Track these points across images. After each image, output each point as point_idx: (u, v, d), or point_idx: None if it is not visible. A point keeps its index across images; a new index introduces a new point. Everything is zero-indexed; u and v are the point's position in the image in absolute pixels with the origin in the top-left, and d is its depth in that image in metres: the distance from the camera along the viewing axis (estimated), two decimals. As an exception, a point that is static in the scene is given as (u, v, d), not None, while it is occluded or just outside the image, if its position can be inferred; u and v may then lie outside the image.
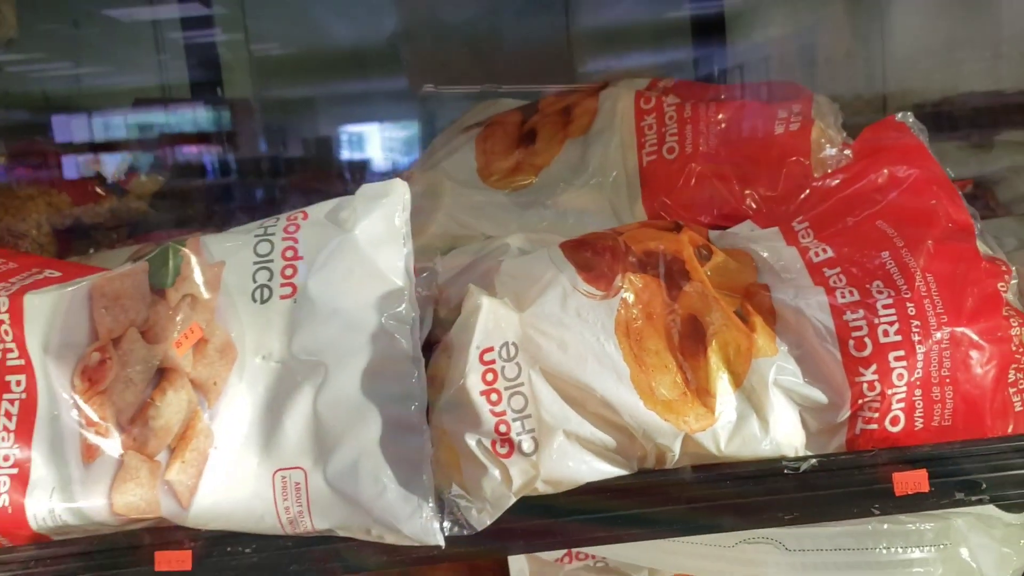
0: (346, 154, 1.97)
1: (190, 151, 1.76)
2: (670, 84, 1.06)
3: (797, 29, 1.84)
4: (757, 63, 1.83)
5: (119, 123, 1.69)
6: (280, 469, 0.70)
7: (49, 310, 0.75)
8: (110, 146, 1.60)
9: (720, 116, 0.96)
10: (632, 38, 1.91)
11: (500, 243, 0.87)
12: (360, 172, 1.84)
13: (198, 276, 0.74)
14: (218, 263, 0.75)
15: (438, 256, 0.90)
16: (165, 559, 0.73)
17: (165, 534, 0.74)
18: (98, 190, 1.32)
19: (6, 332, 0.75)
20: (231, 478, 0.70)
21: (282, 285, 0.73)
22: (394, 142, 2.03)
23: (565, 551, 0.92)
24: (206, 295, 0.74)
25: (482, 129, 1.10)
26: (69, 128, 1.62)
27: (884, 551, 0.86)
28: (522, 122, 1.08)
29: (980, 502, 0.75)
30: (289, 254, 0.74)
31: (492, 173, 1.05)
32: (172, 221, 1.46)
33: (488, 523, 0.71)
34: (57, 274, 0.80)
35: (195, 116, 1.85)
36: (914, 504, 0.75)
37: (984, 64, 1.60)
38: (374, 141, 2.00)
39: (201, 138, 1.81)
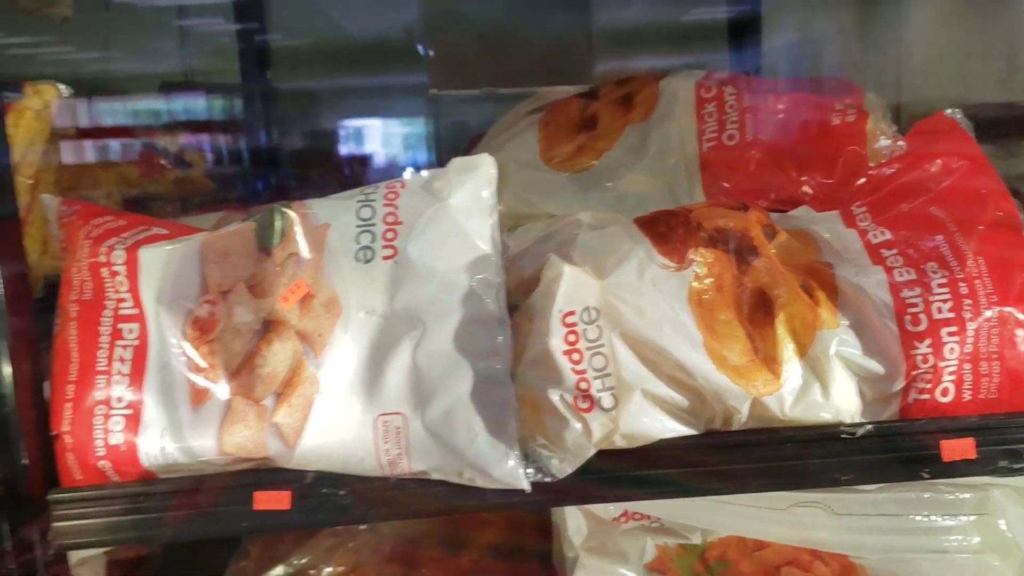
0: (369, 144, 2.02)
1: (233, 133, 1.81)
2: (725, 76, 1.11)
3: (810, 36, 1.89)
4: (769, 70, 1.88)
5: (173, 105, 1.75)
6: (382, 414, 0.76)
7: (162, 263, 0.80)
8: (167, 126, 1.65)
9: (779, 106, 1.02)
10: (647, 41, 1.96)
11: (572, 219, 0.92)
12: (384, 161, 1.89)
13: (303, 237, 0.80)
14: (323, 225, 0.80)
15: (505, 232, 0.95)
16: (264, 498, 0.79)
17: (263, 475, 0.79)
18: (163, 163, 1.37)
19: (121, 283, 0.80)
20: (336, 421, 0.76)
21: (384, 247, 0.79)
22: (412, 137, 2.07)
23: (622, 511, 0.97)
24: (311, 254, 0.79)
25: (544, 114, 1.15)
26: (124, 109, 1.67)
27: (924, 518, 0.92)
28: (583, 108, 1.14)
29: (1023, 471, 0.81)
30: (390, 219, 0.80)
31: (554, 156, 1.11)
32: (225, 196, 1.51)
33: (568, 472, 0.77)
34: (164, 231, 0.85)
35: (234, 101, 1.90)
36: (961, 470, 0.81)
37: (998, 75, 1.65)
38: (393, 133, 2.05)
39: (238, 122, 1.86)
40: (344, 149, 1.97)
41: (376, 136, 1.98)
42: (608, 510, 0.98)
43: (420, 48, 2.05)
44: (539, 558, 1.22)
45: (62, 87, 1.01)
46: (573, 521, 0.99)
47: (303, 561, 1.26)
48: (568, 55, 1.97)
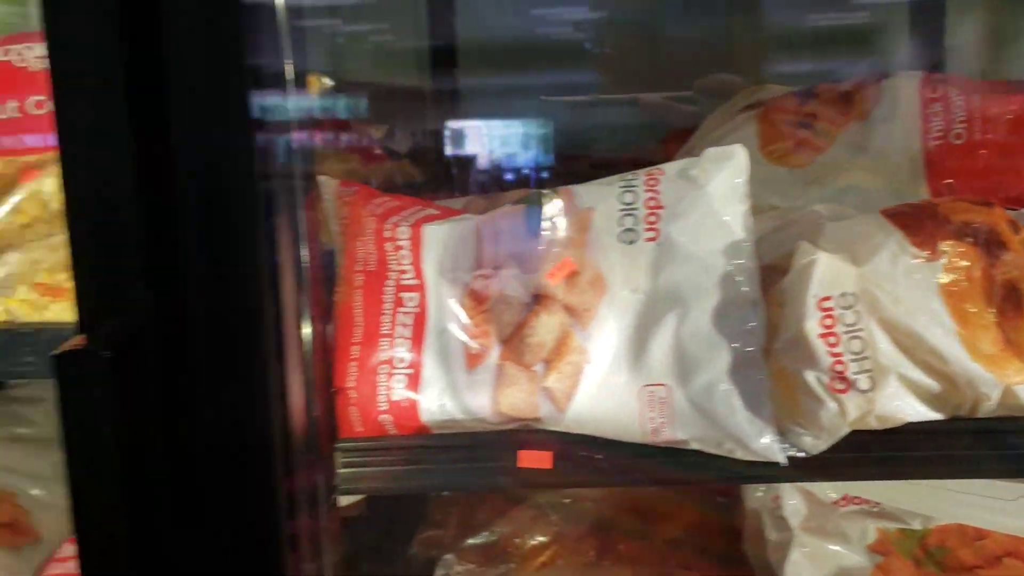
0: (551, 140, 2.08)
1: (422, 128, 1.90)
2: (948, 77, 1.13)
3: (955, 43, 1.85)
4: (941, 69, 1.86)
5: (358, 102, 1.85)
6: (647, 385, 0.81)
7: (443, 240, 0.88)
8: (367, 120, 1.76)
9: (1009, 107, 1.04)
10: (816, 41, 1.96)
11: (810, 210, 0.96)
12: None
13: (569, 219, 0.86)
14: (587, 209, 0.87)
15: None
16: (528, 457, 0.85)
17: (527, 436, 0.86)
18: (379, 152, 1.47)
19: (404, 256, 0.88)
20: (603, 389, 0.82)
21: (646, 229, 0.85)
22: (587, 134, 2.12)
23: (842, 495, 1.01)
24: (576, 235, 0.86)
25: (761, 110, 1.20)
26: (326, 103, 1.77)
27: None
28: (800, 105, 1.18)
29: None
30: (651, 203, 0.85)
31: (774, 151, 1.15)
32: (428, 185, 1.61)
33: (822, 449, 0.81)
34: (435, 212, 0.93)
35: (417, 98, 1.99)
36: None
37: None
38: (573, 130, 2.10)
39: (426, 117, 1.96)
40: (522, 145, 2.04)
41: (557, 133, 2.04)
42: (827, 494, 1.02)
43: (588, 47, 2.12)
44: (723, 556, 1.27)
45: (326, 80, 1.10)
46: (791, 501, 1.03)
47: (505, 530, 1.33)
48: (738, 57, 2.01)
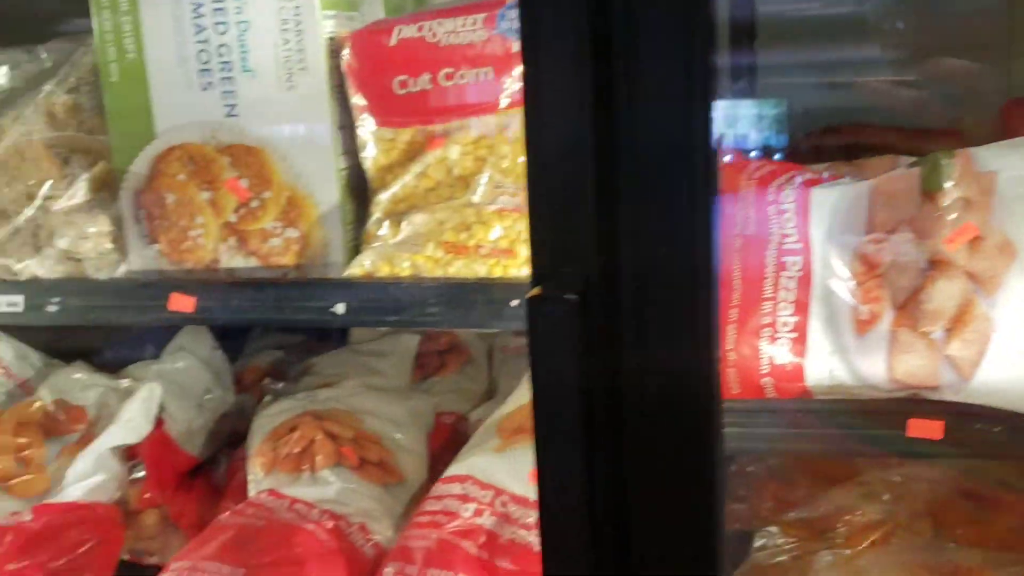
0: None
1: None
2: None
3: None
4: None
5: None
6: (1068, 356, 0.78)
7: (832, 203, 0.88)
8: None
9: None
10: None
11: None
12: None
13: (969, 182, 0.84)
14: (989, 172, 0.84)
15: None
16: (918, 426, 0.84)
17: (915, 404, 0.85)
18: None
19: (788, 220, 0.89)
20: (1016, 359, 0.79)
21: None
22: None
23: None
24: (978, 199, 0.83)
25: None
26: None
27: None
28: None
29: None
30: (1066, 170, 0.81)
31: None
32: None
33: None
34: (814, 176, 0.93)
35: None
36: None
37: None
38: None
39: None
40: (817, 118, 1.99)
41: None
42: None
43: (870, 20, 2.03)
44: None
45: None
46: None
47: (831, 506, 1.31)
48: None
